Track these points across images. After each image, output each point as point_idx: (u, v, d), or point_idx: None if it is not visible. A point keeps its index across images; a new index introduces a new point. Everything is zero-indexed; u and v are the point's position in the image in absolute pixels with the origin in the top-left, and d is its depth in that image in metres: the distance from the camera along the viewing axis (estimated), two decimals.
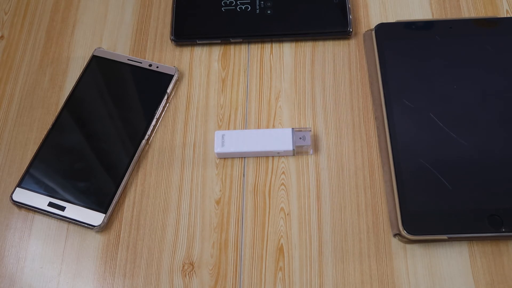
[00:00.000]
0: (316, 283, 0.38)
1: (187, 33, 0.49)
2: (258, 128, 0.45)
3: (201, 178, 0.43)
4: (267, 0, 0.49)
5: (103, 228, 0.41)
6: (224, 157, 0.43)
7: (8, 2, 0.53)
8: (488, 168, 0.40)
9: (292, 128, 0.43)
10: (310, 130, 0.43)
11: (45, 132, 0.45)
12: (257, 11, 0.49)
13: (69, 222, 0.41)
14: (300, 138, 0.42)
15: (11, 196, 0.42)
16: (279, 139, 0.42)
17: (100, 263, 0.40)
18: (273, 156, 0.43)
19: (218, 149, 0.42)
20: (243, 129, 0.45)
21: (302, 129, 0.43)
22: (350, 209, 0.41)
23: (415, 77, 0.44)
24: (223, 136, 0.43)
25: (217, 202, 0.42)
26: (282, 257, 0.40)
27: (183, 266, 0.40)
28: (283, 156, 0.43)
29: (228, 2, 0.50)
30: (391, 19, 0.49)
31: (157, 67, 0.47)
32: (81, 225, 0.41)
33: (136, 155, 0.43)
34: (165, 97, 0.46)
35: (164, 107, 0.46)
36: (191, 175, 0.43)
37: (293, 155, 0.43)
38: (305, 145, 0.42)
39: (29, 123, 0.46)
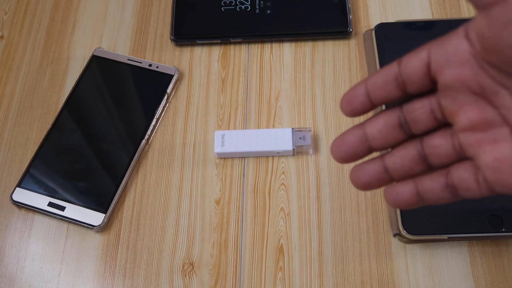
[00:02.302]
0: (316, 283, 0.38)
1: (187, 33, 0.49)
2: (258, 128, 0.45)
3: (201, 178, 0.43)
4: (266, 0, 0.49)
5: (103, 228, 0.41)
6: (224, 157, 0.43)
7: (8, 2, 0.53)
8: None
9: (292, 128, 0.43)
10: (310, 130, 0.43)
11: (45, 132, 0.45)
12: (257, 11, 0.49)
13: (69, 222, 0.41)
14: (300, 138, 0.42)
15: (11, 196, 0.42)
16: (279, 139, 0.42)
17: (100, 263, 0.40)
18: (273, 156, 0.43)
19: (218, 149, 0.43)
20: (243, 129, 0.45)
21: (302, 129, 0.43)
22: (350, 209, 0.41)
23: None
24: (223, 136, 0.43)
25: (217, 202, 0.42)
26: (282, 257, 0.40)
27: (183, 266, 0.40)
28: (283, 156, 0.43)
29: (228, 2, 0.50)
30: (391, 19, 0.49)
31: (157, 67, 0.47)
32: (81, 225, 0.41)
33: (136, 155, 0.43)
34: (165, 97, 0.46)
35: (164, 107, 0.46)
36: (191, 175, 0.43)
37: (293, 155, 0.43)
38: (305, 145, 0.42)
39: (29, 123, 0.46)
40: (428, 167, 0.24)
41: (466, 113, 0.22)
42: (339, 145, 0.25)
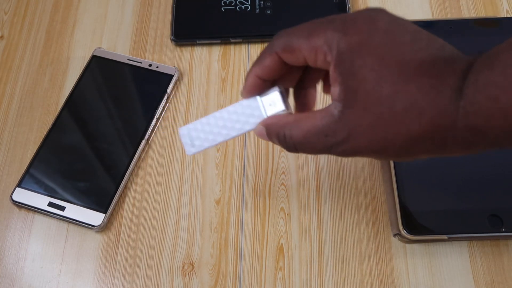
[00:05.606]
0: (316, 283, 0.38)
1: (187, 33, 0.49)
2: None
3: (201, 178, 0.43)
4: (266, 0, 0.49)
5: (103, 228, 0.41)
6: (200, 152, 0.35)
7: (8, 2, 0.53)
8: (488, 168, 0.40)
9: (257, 96, 0.32)
10: (280, 89, 0.31)
11: (45, 132, 0.45)
12: (257, 11, 0.49)
13: (69, 222, 0.41)
14: (270, 105, 0.31)
15: (11, 196, 0.42)
16: (246, 116, 0.32)
17: (100, 263, 0.40)
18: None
19: (190, 150, 0.33)
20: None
21: (268, 93, 0.31)
22: (350, 209, 0.41)
23: None
24: (189, 132, 0.33)
25: (217, 202, 0.42)
26: (282, 257, 0.40)
27: (183, 266, 0.40)
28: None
29: (228, 2, 0.50)
30: None
31: (157, 67, 0.47)
32: (81, 225, 0.41)
33: (136, 155, 0.43)
34: (165, 97, 0.46)
35: (164, 107, 0.46)
36: (191, 175, 0.43)
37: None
38: (279, 111, 0.31)
39: (29, 123, 0.46)
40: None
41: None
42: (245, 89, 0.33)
